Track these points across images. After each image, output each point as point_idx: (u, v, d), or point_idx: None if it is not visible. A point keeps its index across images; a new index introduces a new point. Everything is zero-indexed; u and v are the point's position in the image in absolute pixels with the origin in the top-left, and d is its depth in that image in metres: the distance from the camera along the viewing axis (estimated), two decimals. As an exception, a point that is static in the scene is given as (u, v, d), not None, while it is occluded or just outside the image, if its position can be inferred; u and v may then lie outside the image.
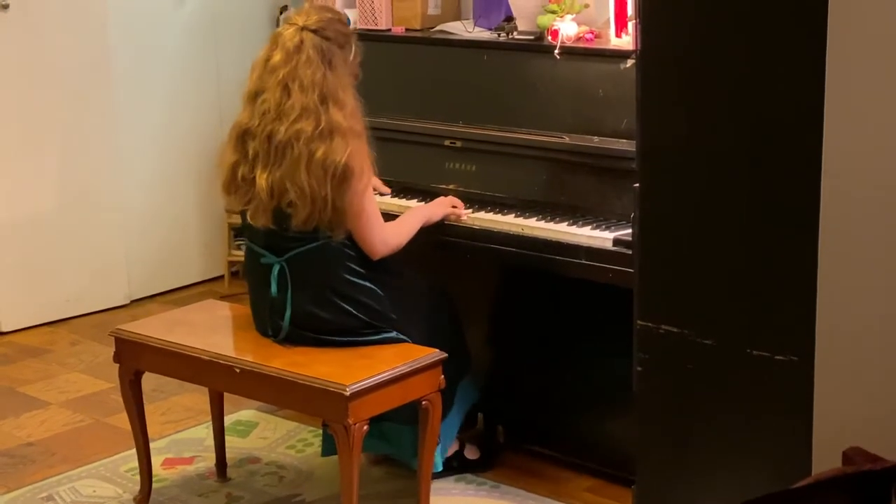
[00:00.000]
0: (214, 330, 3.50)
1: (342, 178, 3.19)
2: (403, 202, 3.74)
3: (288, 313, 3.30)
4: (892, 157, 2.19)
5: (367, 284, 3.32)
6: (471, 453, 3.73)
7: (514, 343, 3.83)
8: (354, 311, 3.30)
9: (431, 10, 4.20)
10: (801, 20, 2.27)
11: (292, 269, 3.29)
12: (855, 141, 2.23)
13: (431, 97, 3.93)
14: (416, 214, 3.53)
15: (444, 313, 3.54)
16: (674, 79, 2.51)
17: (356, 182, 3.22)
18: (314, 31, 3.26)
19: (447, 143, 3.77)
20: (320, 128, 3.19)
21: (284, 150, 3.20)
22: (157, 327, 3.52)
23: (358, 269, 3.32)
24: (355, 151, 3.22)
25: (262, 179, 3.22)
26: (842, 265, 2.26)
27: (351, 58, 3.34)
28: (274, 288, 3.30)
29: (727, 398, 2.49)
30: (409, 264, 3.53)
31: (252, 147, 3.26)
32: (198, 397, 4.15)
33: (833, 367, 2.29)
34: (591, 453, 3.65)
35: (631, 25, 3.47)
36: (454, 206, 3.60)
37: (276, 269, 3.30)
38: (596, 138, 3.51)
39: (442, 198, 3.64)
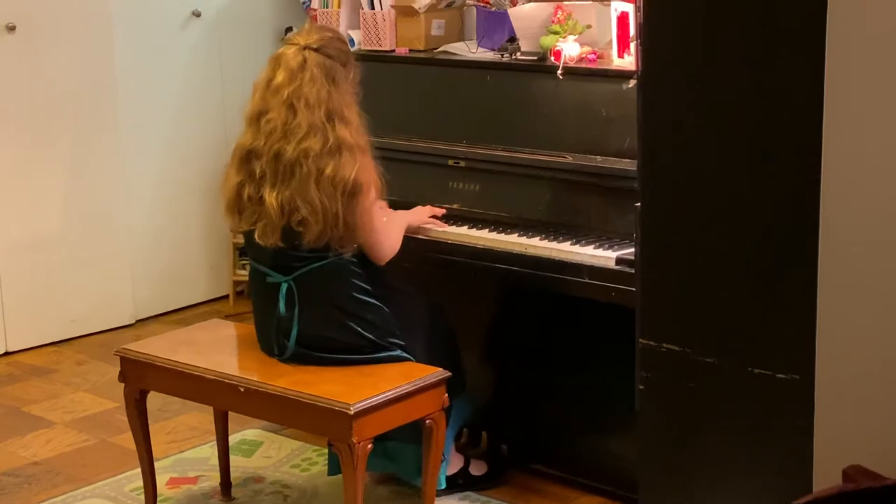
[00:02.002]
0: (219, 349, 3.51)
1: (352, 193, 3.22)
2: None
3: (294, 332, 3.31)
4: (891, 179, 2.20)
5: (374, 302, 3.34)
6: (476, 469, 3.74)
7: (518, 362, 3.83)
8: (362, 330, 3.31)
9: (435, 31, 4.22)
10: (801, 41, 2.29)
11: (300, 287, 3.30)
12: (855, 164, 2.24)
13: (435, 117, 3.94)
14: (403, 219, 3.58)
15: (441, 330, 3.56)
16: (675, 99, 2.52)
17: (365, 197, 3.25)
18: (316, 50, 3.28)
19: (451, 162, 3.79)
20: (328, 145, 3.22)
21: (293, 169, 3.22)
22: (162, 347, 3.53)
23: (365, 286, 3.34)
24: (363, 167, 3.25)
25: (271, 198, 3.23)
26: (841, 284, 2.28)
27: (352, 76, 3.37)
28: (282, 307, 3.31)
29: (729, 416, 2.50)
30: (409, 282, 3.54)
31: (258, 167, 3.27)
32: (202, 416, 4.16)
33: (834, 386, 2.30)
34: (594, 472, 3.66)
35: (633, 46, 3.49)
36: (433, 216, 3.67)
37: (283, 287, 3.31)
38: (598, 158, 3.53)
39: (420, 207, 3.68)
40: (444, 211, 3.70)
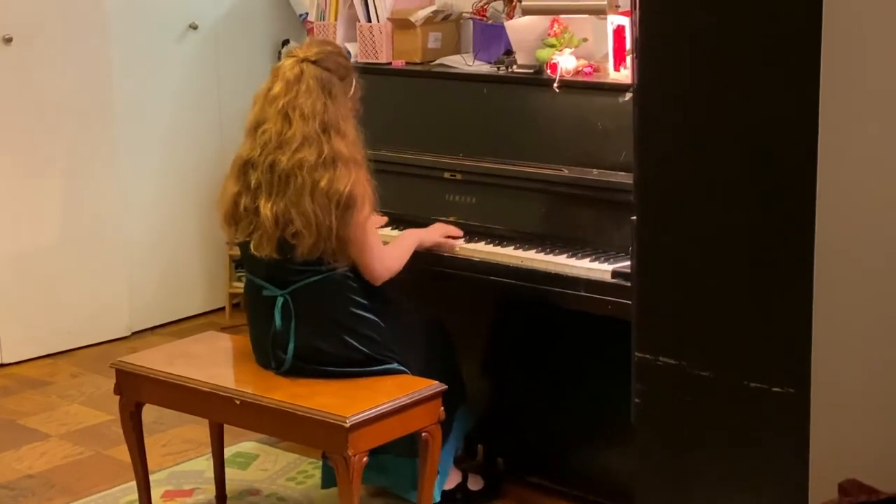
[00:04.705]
0: (215, 361, 3.51)
1: (346, 206, 3.21)
2: (403, 234, 3.75)
3: (291, 346, 3.31)
4: (886, 195, 2.21)
5: (371, 317, 3.33)
6: (474, 484, 3.73)
7: (514, 375, 3.83)
8: (358, 345, 3.30)
9: (432, 44, 4.23)
10: (797, 51, 2.29)
11: (296, 301, 3.30)
12: (850, 177, 2.25)
13: (432, 130, 3.95)
14: (411, 238, 3.56)
15: (439, 343, 3.55)
16: (671, 112, 2.52)
17: (358, 211, 3.24)
18: (314, 63, 3.29)
19: (447, 175, 3.79)
20: (323, 157, 3.22)
21: (288, 179, 3.22)
22: (157, 359, 3.52)
23: (361, 300, 3.33)
24: (358, 180, 3.24)
25: (266, 209, 3.23)
26: (837, 298, 2.27)
27: (352, 91, 3.37)
28: (278, 320, 3.31)
29: (725, 430, 2.49)
30: (406, 295, 3.54)
31: (254, 177, 3.27)
32: (198, 429, 4.15)
33: (829, 400, 2.30)
34: (591, 485, 3.65)
35: (629, 59, 3.50)
36: (450, 236, 3.63)
37: (279, 301, 3.31)
38: (595, 171, 3.53)
39: (437, 224, 3.66)
40: (461, 232, 3.65)
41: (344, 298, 3.31)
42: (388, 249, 3.41)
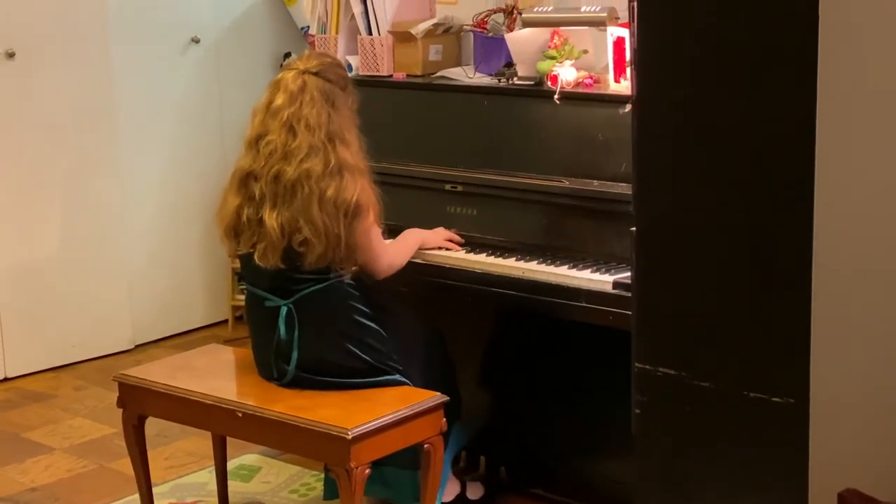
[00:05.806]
0: (217, 374, 3.52)
1: (354, 214, 3.24)
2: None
3: (295, 356, 3.31)
4: (884, 202, 2.21)
5: (374, 326, 3.35)
6: (473, 493, 3.73)
7: (515, 385, 3.83)
8: (361, 354, 3.31)
9: (432, 57, 4.24)
10: (797, 63, 2.30)
11: (300, 311, 3.31)
12: (848, 187, 2.25)
13: (432, 142, 3.95)
14: (413, 237, 3.60)
15: (438, 354, 3.56)
16: (670, 123, 2.53)
17: (364, 218, 3.27)
18: (315, 74, 3.31)
19: (448, 187, 3.80)
20: (330, 166, 3.24)
21: (294, 189, 3.23)
22: (160, 372, 3.53)
23: (364, 308, 3.34)
24: (363, 188, 3.27)
25: (271, 219, 3.24)
26: (835, 309, 2.28)
27: (350, 101, 3.39)
28: (283, 330, 3.31)
29: (724, 440, 2.50)
30: (407, 305, 3.55)
31: (258, 189, 3.28)
32: (201, 442, 4.16)
33: (828, 410, 2.30)
34: (592, 495, 3.65)
35: (629, 71, 3.50)
36: (451, 241, 3.66)
37: (283, 311, 3.32)
38: (595, 182, 3.53)
39: (441, 229, 3.68)
40: (461, 240, 3.68)
41: (347, 307, 3.32)
42: (391, 246, 3.45)
